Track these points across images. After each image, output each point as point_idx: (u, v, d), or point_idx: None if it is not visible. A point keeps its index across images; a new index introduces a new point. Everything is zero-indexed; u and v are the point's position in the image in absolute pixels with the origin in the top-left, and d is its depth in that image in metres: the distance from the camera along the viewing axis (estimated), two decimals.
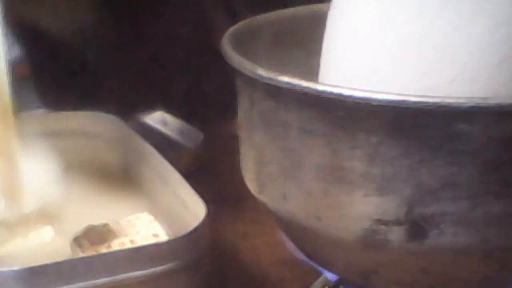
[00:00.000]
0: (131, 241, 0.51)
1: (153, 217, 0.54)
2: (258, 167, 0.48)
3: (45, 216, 0.55)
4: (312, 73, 0.50)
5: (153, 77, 0.81)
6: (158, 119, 0.79)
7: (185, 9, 0.83)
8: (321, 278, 0.54)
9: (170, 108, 0.78)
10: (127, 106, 0.74)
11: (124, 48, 0.80)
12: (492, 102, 0.39)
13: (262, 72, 0.44)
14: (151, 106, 0.80)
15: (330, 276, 0.53)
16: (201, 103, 0.82)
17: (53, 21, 0.80)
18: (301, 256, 0.51)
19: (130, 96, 0.80)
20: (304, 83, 0.42)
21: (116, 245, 0.51)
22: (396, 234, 0.42)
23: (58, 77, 0.79)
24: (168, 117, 0.78)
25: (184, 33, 0.83)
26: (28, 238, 0.53)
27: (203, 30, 0.82)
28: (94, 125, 0.65)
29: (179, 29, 0.83)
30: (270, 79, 0.43)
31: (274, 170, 0.46)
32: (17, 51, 0.86)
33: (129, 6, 0.80)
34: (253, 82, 0.45)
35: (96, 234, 0.52)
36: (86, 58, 0.80)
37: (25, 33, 0.77)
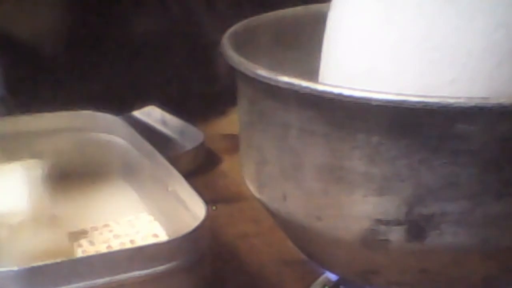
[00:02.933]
0: (131, 241, 0.51)
1: (153, 217, 0.54)
2: (258, 167, 0.48)
3: (45, 217, 0.55)
4: (312, 73, 0.50)
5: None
6: (158, 119, 0.79)
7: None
8: (321, 278, 0.54)
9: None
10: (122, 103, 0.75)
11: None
12: (492, 102, 0.39)
13: (262, 72, 0.44)
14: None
15: (330, 276, 0.53)
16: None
17: (23, 23, 0.80)
18: (301, 256, 0.51)
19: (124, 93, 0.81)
20: (304, 83, 0.42)
21: (116, 245, 0.51)
22: (396, 234, 0.42)
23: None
24: (168, 117, 0.78)
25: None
26: (28, 239, 0.53)
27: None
28: (94, 124, 0.65)
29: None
30: (270, 79, 0.43)
31: (274, 170, 0.46)
32: None
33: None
34: (253, 82, 0.45)
35: (96, 234, 0.52)
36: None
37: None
